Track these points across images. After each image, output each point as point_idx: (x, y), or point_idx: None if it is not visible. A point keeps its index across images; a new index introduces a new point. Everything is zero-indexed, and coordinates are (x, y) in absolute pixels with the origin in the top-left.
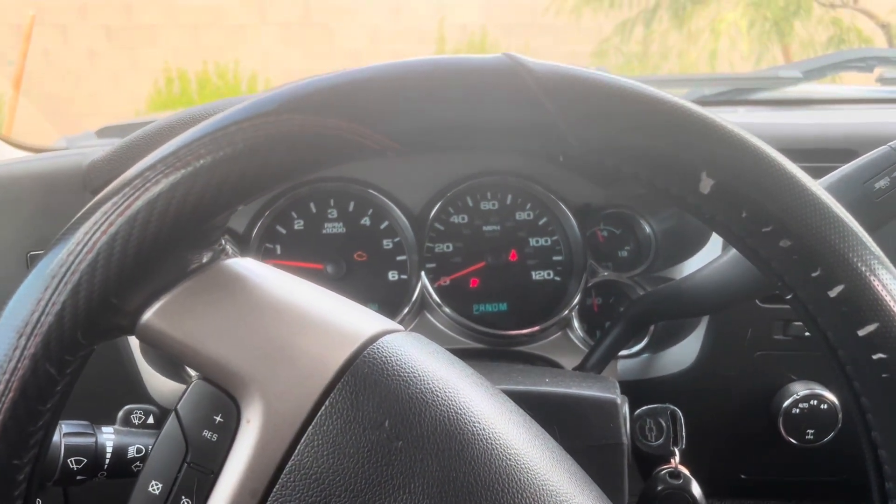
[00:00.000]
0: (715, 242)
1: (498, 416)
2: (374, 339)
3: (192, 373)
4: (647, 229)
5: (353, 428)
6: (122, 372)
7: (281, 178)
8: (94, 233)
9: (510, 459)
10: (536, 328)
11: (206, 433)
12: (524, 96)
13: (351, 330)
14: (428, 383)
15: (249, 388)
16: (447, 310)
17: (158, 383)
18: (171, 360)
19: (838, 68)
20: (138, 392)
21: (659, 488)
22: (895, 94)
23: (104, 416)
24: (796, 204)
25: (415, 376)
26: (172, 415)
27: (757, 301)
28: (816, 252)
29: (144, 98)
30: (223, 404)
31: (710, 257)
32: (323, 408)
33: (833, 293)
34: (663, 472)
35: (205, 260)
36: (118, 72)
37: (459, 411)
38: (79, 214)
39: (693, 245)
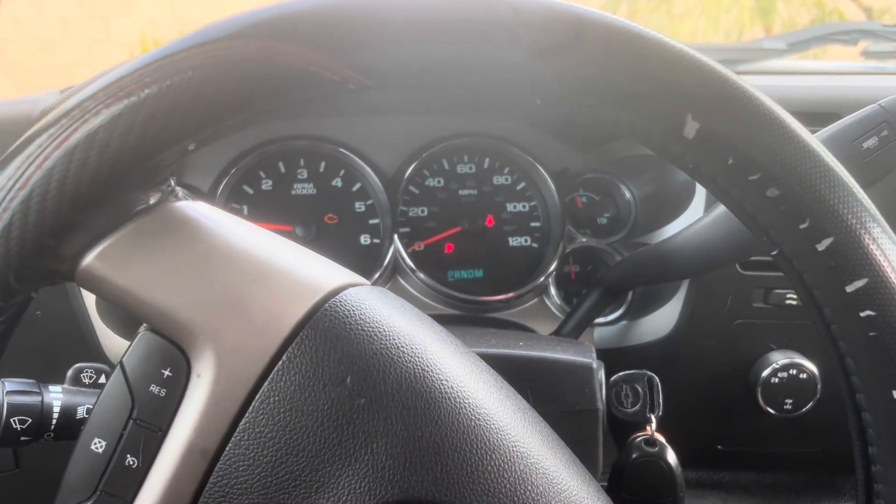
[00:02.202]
0: (696, 208)
1: (467, 374)
2: (336, 292)
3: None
4: (627, 195)
5: (312, 384)
6: (75, 330)
7: (234, 111)
8: (27, 167)
9: (479, 419)
10: (512, 294)
11: (154, 388)
12: (502, 31)
13: (311, 281)
14: (393, 339)
15: (200, 340)
16: (421, 275)
17: (113, 343)
18: (130, 318)
19: (823, 41)
20: (92, 351)
21: (634, 456)
22: (880, 68)
23: (56, 377)
24: (785, 151)
25: (379, 331)
26: (117, 368)
27: (737, 267)
28: (804, 203)
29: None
30: (172, 357)
31: (690, 223)
32: (280, 363)
33: (821, 246)
34: (638, 439)
35: (152, 201)
36: (92, 42)
37: (426, 368)
38: (12, 147)
39: (673, 211)
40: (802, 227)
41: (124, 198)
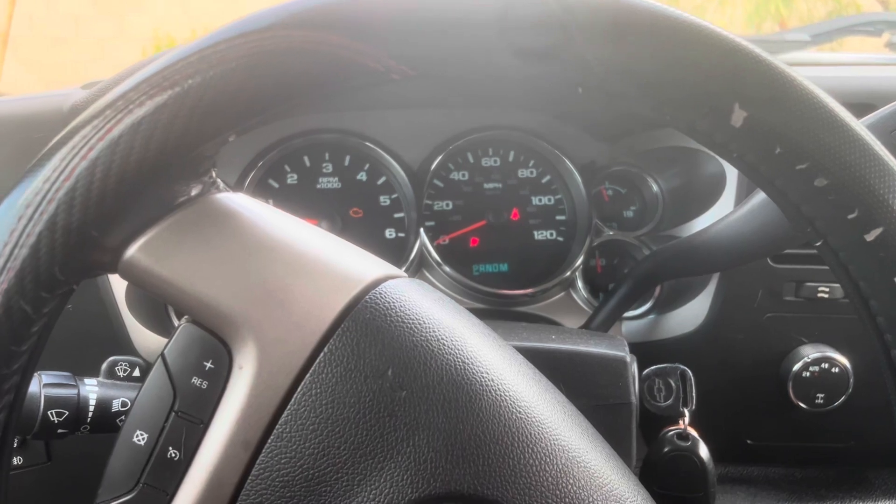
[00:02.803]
0: (726, 201)
1: (507, 367)
2: (376, 284)
3: (176, 321)
4: (655, 188)
5: (354, 376)
6: (105, 324)
7: (277, 101)
8: (72, 158)
9: (521, 412)
10: (538, 288)
11: (196, 380)
12: (547, 17)
13: (352, 273)
14: (434, 331)
15: (242, 331)
16: (447, 268)
17: (143, 336)
18: (158, 311)
19: (846, 32)
20: (123, 345)
21: (666, 449)
22: None
23: (87, 370)
24: (835, 140)
25: (420, 323)
26: (159, 360)
27: (768, 260)
28: (854, 192)
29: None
30: (214, 349)
31: (721, 215)
32: (321, 354)
33: (870, 237)
34: (670, 433)
35: (193, 193)
36: (104, 39)
37: (467, 361)
38: (56, 139)
39: (702, 204)
40: (851, 217)
41: (167, 189)
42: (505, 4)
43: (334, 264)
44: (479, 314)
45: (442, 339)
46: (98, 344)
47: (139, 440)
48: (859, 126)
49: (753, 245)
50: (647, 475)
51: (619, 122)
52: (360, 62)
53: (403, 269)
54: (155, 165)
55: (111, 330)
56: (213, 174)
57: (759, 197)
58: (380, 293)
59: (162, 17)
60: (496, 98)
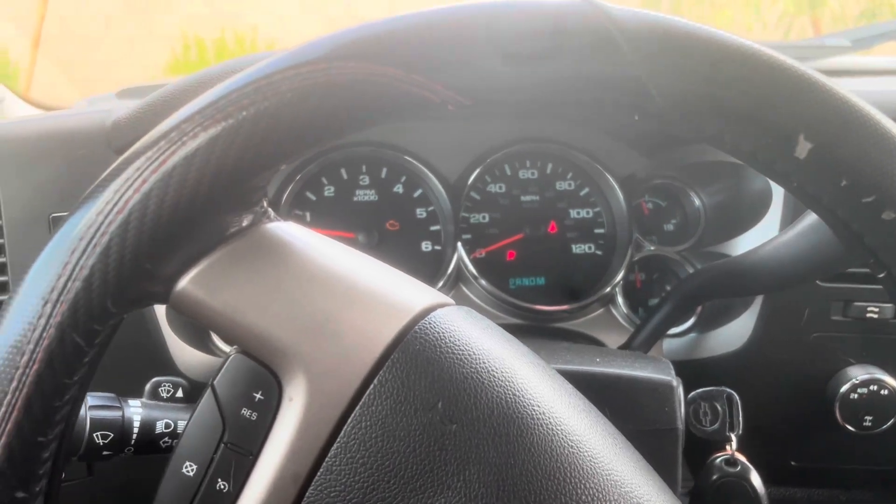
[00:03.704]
0: (771, 219)
1: (557, 399)
2: (425, 314)
3: (220, 343)
4: (697, 202)
5: (404, 409)
6: (146, 342)
7: (332, 133)
8: (125, 191)
9: (572, 446)
10: (577, 305)
11: (245, 411)
12: (605, 45)
13: (401, 303)
14: (484, 362)
15: (293, 363)
16: (483, 282)
17: (185, 354)
18: (199, 330)
19: (887, 37)
20: (164, 363)
21: (714, 477)
22: None
23: (128, 389)
24: None
25: (470, 354)
26: (208, 391)
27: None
28: None
29: (160, 65)
30: (264, 380)
31: (766, 233)
32: (371, 386)
33: None
34: (718, 459)
35: (245, 223)
36: (134, 38)
37: (518, 393)
38: (108, 170)
39: (746, 221)
40: None
41: (218, 220)
42: (558, 29)
43: (383, 294)
44: (518, 330)
45: (492, 370)
46: (139, 363)
47: (188, 471)
48: None
49: (804, 267)
50: None
51: (659, 135)
52: (415, 93)
53: (441, 282)
54: (208, 197)
55: (152, 349)
56: (265, 204)
57: (810, 218)
58: (429, 323)
59: (191, 17)
60: (535, 109)
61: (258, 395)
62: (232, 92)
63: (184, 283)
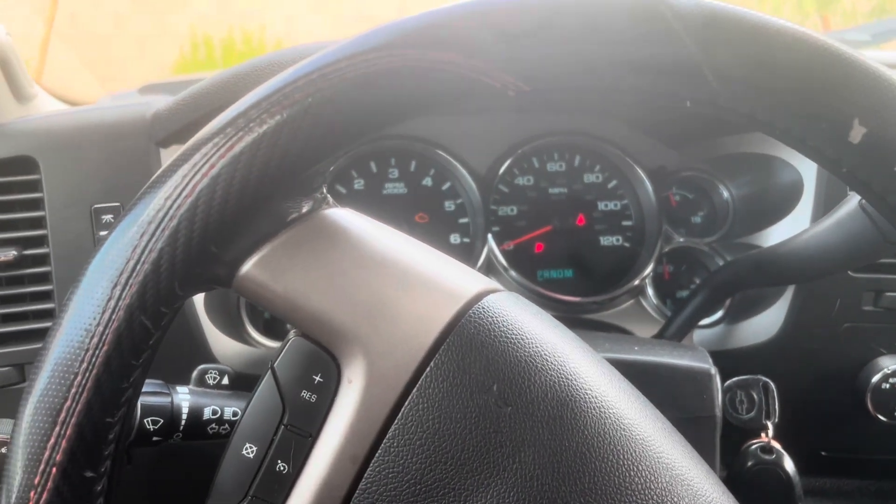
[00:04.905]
0: (802, 210)
1: (607, 383)
2: (478, 298)
3: (254, 333)
4: (725, 194)
5: (460, 391)
6: (186, 331)
7: (392, 119)
8: (193, 175)
9: (624, 430)
10: (607, 296)
11: (305, 393)
12: (664, 32)
13: (455, 288)
14: (536, 346)
15: (352, 345)
16: (514, 273)
17: (223, 344)
18: (235, 320)
19: None
20: (203, 352)
21: (750, 463)
22: None
23: (169, 377)
24: None
25: (522, 338)
26: (269, 373)
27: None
28: None
29: (169, 64)
30: (323, 363)
31: (797, 225)
32: (428, 369)
33: None
34: (754, 446)
35: (305, 209)
36: (144, 37)
37: (570, 377)
38: (175, 157)
39: (776, 213)
40: None
41: (281, 206)
42: (622, 20)
43: (439, 278)
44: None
45: (544, 354)
46: (180, 351)
47: (248, 453)
48: None
49: (839, 257)
50: (730, 489)
51: (690, 128)
52: (476, 79)
53: None
54: (273, 183)
55: (191, 337)
56: (324, 190)
57: (847, 207)
58: (483, 308)
59: (201, 16)
60: (564, 102)
61: (317, 378)
62: (298, 79)
63: (248, 266)
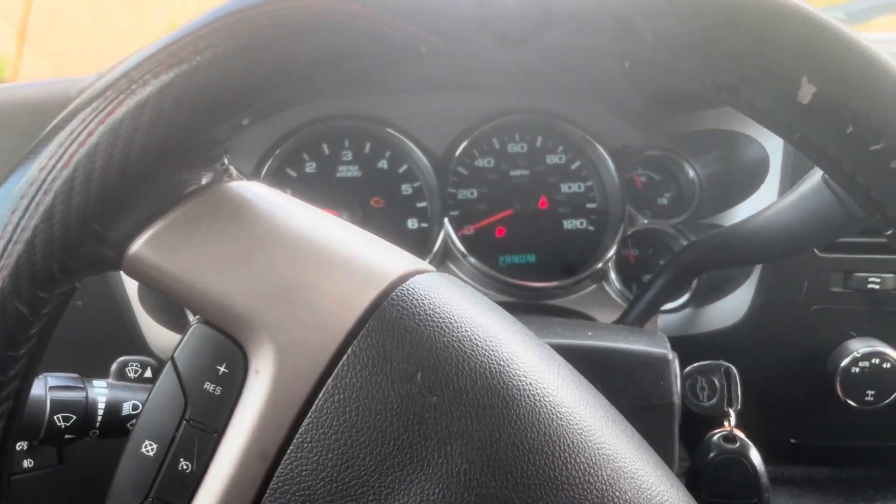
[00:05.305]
0: (769, 188)
1: (545, 369)
2: (403, 280)
3: (192, 319)
4: (691, 173)
5: (380, 381)
6: (117, 321)
7: (295, 79)
8: (70, 144)
9: (561, 419)
10: (569, 281)
11: (208, 386)
12: None
13: (377, 268)
14: (466, 330)
15: (258, 332)
16: (472, 260)
17: (157, 334)
18: (174, 308)
19: (883, 10)
20: (136, 343)
21: (712, 454)
22: None
23: (99, 371)
24: None
25: (451, 322)
26: (168, 364)
27: (815, 250)
28: None
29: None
30: (228, 352)
31: (763, 203)
32: (345, 357)
33: None
34: (716, 436)
35: (204, 182)
36: (124, 32)
37: (502, 363)
38: (53, 123)
39: (742, 191)
40: None
41: (175, 177)
42: None
43: (358, 258)
44: (508, 308)
45: (475, 339)
46: (110, 343)
47: (148, 450)
48: None
49: (804, 234)
50: (694, 482)
51: (653, 104)
52: (383, 34)
53: (427, 261)
54: (161, 151)
55: (123, 327)
56: (226, 161)
57: (810, 182)
58: (407, 289)
59: (180, 11)
60: (524, 79)
61: (222, 369)
62: (186, 35)
63: (137, 246)
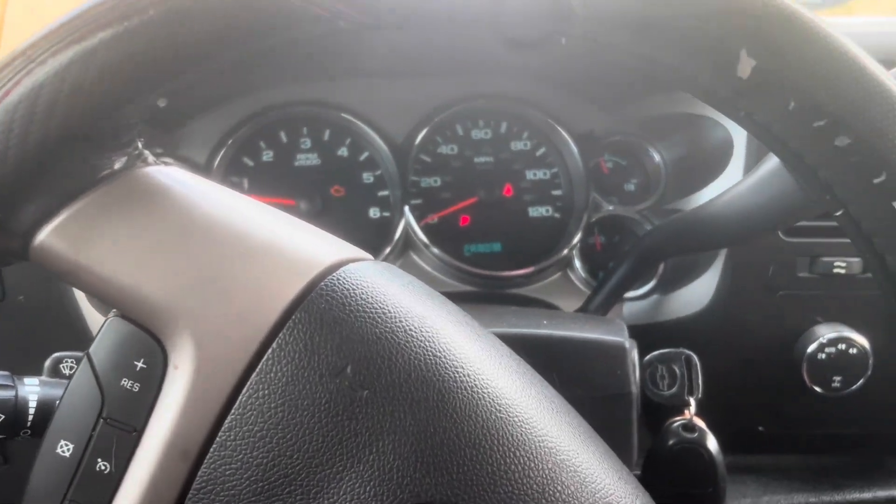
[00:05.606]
0: (734, 170)
1: (486, 359)
2: (333, 269)
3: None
4: (657, 158)
5: (308, 375)
6: (60, 315)
7: (205, 55)
8: None
9: (501, 411)
10: (533, 269)
11: (126, 382)
12: None
13: (304, 257)
14: (400, 321)
15: (177, 326)
16: (435, 250)
17: None
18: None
19: None
20: (82, 339)
21: (670, 442)
22: None
23: (38, 368)
24: (858, 92)
25: (384, 313)
26: (83, 360)
27: (780, 234)
28: (880, 153)
29: None
30: (145, 347)
31: (727, 186)
32: (269, 351)
33: None
34: (675, 424)
35: (116, 166)
36: None
37: (438, 354)
38: None
39: (708, 174)
40: (877, 181)
41: (83, 163)
42: None
43: (284, 247)
44: (471, 297)
45: (410, 329)
46: (56, 339)
47: (64, 451)
48: (887, 76)
49: (764, 217)
50: (651, 470)
51: (617, 87)
52: (299, 6)
53: (388, 249)
54: (63, 135)
55: (68, 323)
56: (139, 145)
57: (770, 164)
58: (338, 279)
59: None
60: (482, 62)
61: (140, 364)
62: (88, 10)
63: (43, 235)
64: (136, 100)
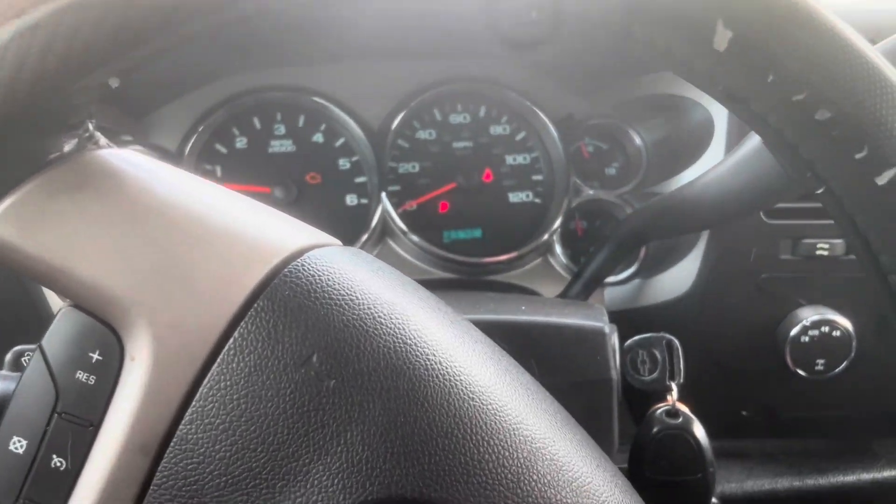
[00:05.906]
0: (714, 152)
1: (459, 346)
2: (298, 255)
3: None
4: (637, 141)
5: (271, 365)
6: (28, 308)
7: (153, 29)
8: None
9: (474, 399)
10: (513, 255)
11: (81, 375)
12: None
13: (269, 243)
14: (369, 308)
15: (132, 316)
16: (414, 237)
17: None
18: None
19: None
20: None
21: (655, 430)
22: None
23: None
24: (839, 65)
25: (352, 299)
26: (36, 353)
27: (762, 216)
28: (863, 127)
29: None
30: (101, 338)
31: (708, 168)
32: (231, 340)
33: (882, 180)
34: (659, 410)
35: (66, 149)
36: None
37: (409, 342)
38: None
39: (688, 156)
40: (859, 156)
41: (29, 146)
42: None
43: (247, 233)
44: (451, 284)
45: (378, 316)
46: (21, 333)
47: (17, 448)
48: (868, 48)
49: (746, 198)
50: (637, 459)
51: (595, 69)
52: None
53: (365, 237)
54: (6, 117)
55: (35, 316)
56: (90, 127)
57: (751, 143)
58: (302, 265)
59: None
60: (459, 44)
61: (95, 356)
62: None
63: None
64: (83, 78)
